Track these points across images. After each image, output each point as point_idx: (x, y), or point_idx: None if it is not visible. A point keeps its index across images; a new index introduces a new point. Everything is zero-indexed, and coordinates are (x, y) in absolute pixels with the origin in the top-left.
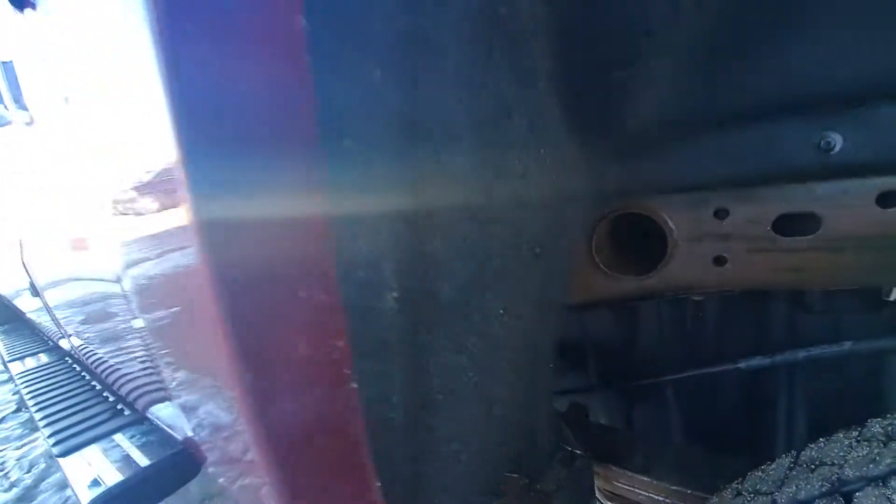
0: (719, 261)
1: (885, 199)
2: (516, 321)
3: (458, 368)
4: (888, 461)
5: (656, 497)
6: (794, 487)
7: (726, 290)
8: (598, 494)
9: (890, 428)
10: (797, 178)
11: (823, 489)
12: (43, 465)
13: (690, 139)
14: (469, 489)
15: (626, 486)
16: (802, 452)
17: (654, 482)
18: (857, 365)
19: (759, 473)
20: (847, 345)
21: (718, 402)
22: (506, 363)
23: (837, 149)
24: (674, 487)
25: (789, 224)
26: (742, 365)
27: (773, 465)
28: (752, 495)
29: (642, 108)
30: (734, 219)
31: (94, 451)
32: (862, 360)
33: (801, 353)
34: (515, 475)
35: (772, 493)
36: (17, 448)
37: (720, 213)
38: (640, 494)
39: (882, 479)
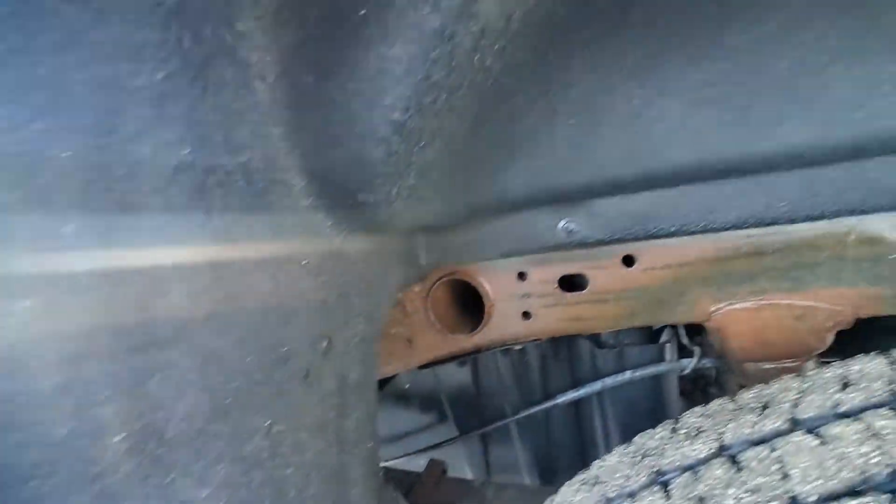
0: (526, 315)
1: (628, 261)
2: (295, 433)
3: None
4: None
5: None
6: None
7: (535, 339)
8: None
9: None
10: (562, 250)
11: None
12: None
13: (476, 223)
14: None
15: None
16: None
17: None
18: (644, 385)
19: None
20: (628, 373)
21: (551, 435)
22: (293, 470)
23: (576, 231)
24: None
25: (572, 282)
26: (560, 400)
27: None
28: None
29: (418, 210)
30: (531, 280)
31: None
32: (646, 382)
33: (598, 384)
34: None
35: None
36: None
37: (522, 276)
38: None
39: (693, 467)
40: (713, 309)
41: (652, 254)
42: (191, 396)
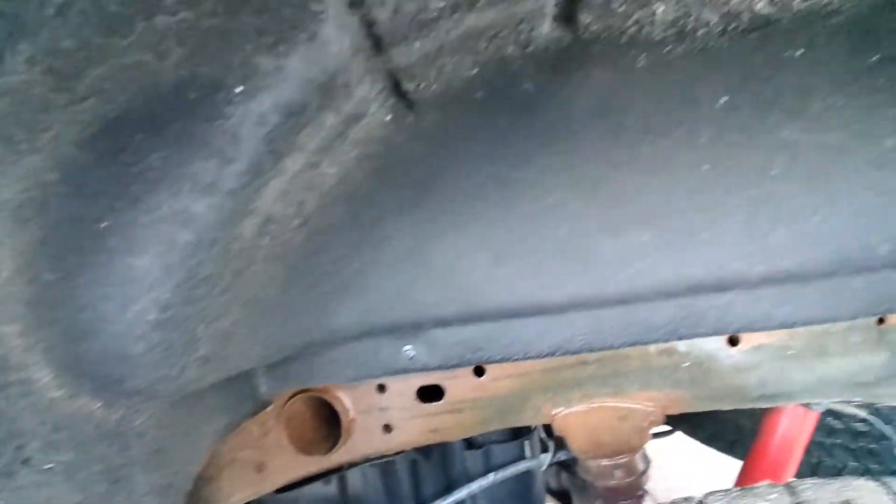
0: (387, 428)
1: (478, 371)
2: None
3: None
4: None
5: None
6: None
7: (399, 452)
8: None
9: None
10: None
11: None
12: None
13: (317, 353)
14: None
15: None
16: None
17: None
18: (515, 482)
19: None
20: (491, 476)
21: None
22: None
23: (417, 357)
24: None
25: (430, 392)
26: None
27: None
28: None
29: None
30: (390, 392)
31: None
32: (517, 479)
33: (465, 489)
34: None
35: None
36: None
37: (381, 388)
38: None
39: None
40: (554, 412)
41: (498, 365)
42: None
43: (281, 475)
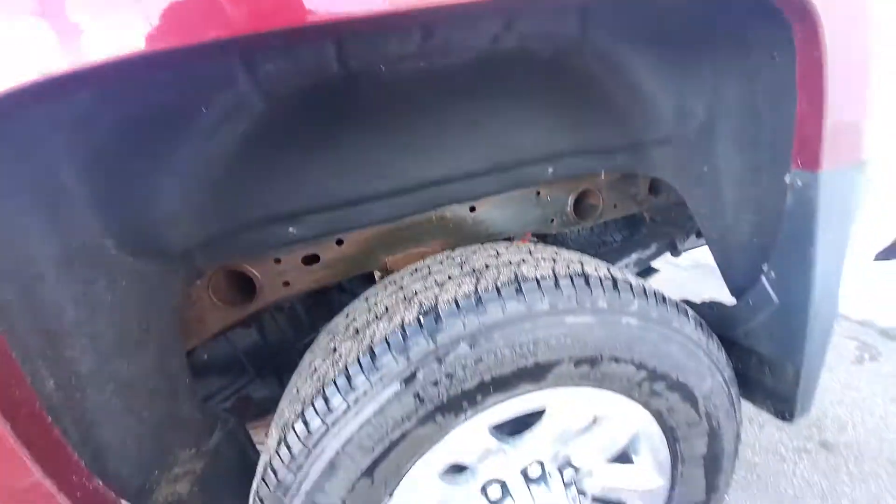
0: (286, 284)
1: (339, 242)
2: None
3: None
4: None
5: None
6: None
7: (295, 296)
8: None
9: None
10: (296, 244)
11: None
12: None
13: (237, 235)
14: (147, 461)
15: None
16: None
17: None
18: None
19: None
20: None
21: None
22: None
23: (296, 233)
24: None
25: (311, 260)
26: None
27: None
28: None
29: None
30: (285, 262)
31: None
32: None
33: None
34: (186, 449)
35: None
36: None
37: (277, 261)
38: None
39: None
40: (387, 259)
41: (351, 237)
42: None
43: (216, 324)
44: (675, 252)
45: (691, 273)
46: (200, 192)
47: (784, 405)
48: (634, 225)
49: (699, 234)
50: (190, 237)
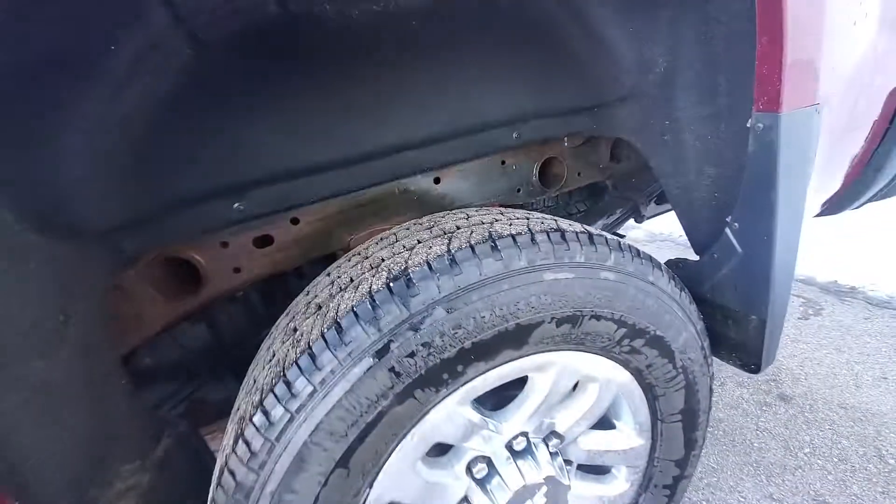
0: (237, 270)
1: (294, 221)
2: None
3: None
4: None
5: None
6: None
7: (249, 284)
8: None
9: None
10: (242, 223)
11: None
12: None
13: (170, 214)
14: (77, 478)
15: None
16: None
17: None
18: None
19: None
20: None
21: None
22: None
23: (243, 209)
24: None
25: (263, 241)
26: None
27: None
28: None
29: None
30: (233, 245)
31: None
32: None
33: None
34: (128, 462)
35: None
36: None
37: (224, 245)
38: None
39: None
40: (349, 238)
41: (308, 214)
42: None
43: (158, 320)
44: (640, 218)
45: (649, 247)
46: (118, 155)
47: (750, 357)
48: (598, 194)
49: (659, 201)
50: (111, 214)
